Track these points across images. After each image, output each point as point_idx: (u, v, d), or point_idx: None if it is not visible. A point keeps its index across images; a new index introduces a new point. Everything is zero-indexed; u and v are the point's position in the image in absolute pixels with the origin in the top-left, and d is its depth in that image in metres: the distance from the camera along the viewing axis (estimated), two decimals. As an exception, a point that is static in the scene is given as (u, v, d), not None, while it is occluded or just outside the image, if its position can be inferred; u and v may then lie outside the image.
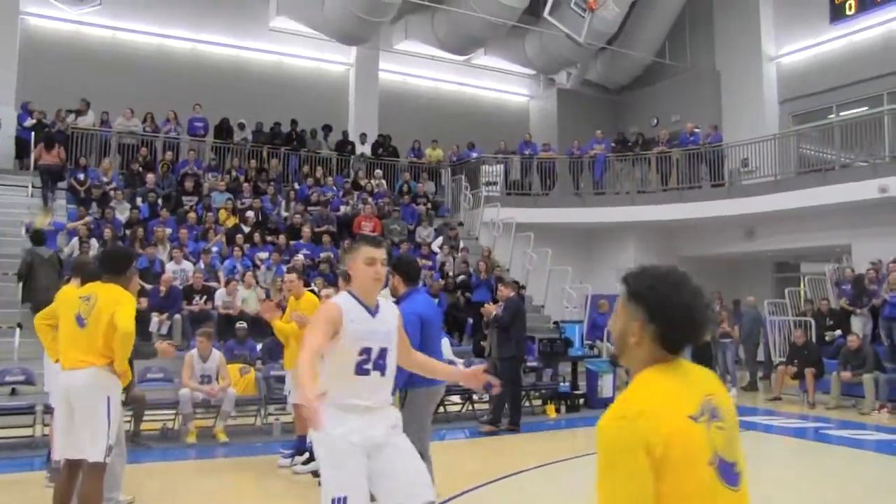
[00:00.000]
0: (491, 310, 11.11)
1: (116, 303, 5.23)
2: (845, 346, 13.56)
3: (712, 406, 2.06)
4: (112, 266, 5.56)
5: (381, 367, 3.79)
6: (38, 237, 12.79)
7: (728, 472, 2.00)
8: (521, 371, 11.60)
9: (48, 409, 7.93)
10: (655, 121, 23.26)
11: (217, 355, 10.16)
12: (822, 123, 19.55)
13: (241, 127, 19.37)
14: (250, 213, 16.34)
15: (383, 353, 3.80)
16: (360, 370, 3.71)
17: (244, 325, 11.91)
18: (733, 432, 2.08)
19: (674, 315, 2.09)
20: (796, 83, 21.13)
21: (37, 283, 12.20)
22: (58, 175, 16.03)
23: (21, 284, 12.46)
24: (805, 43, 20.96)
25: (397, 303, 6.04)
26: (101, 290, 5.37)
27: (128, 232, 14.57)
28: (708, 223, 19.13)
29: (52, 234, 13.85)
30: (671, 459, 1.89)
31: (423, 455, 5.66)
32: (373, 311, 3.84)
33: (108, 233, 13.90)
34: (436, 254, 17.42)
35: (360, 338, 3.71)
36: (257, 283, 14.09)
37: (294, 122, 20.07)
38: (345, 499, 3.59)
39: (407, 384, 5.63)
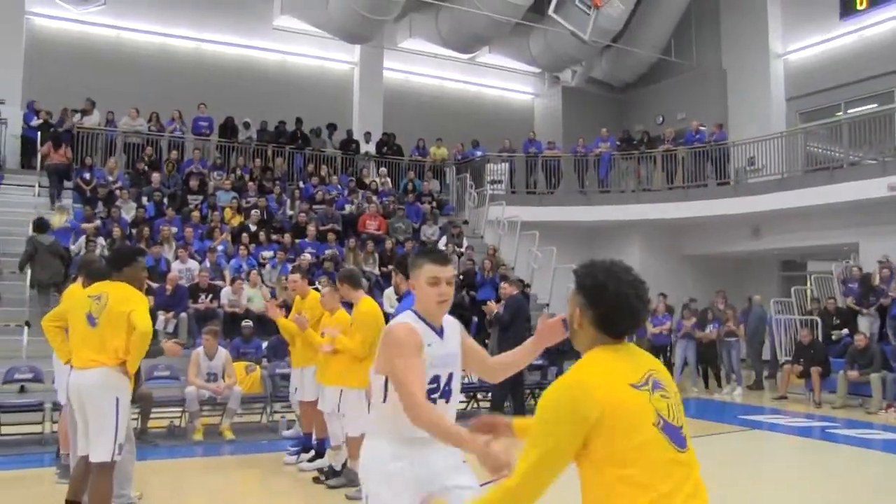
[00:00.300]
0: (493, 308, 11.07)
1: (128, 301, 5.23)
2: (852, 345, 13.52)
3: (655, 379, 2.36)
4: (114, 263, 5.59)
5: (447, 393, 3.39)
6: (40, 225, 12.89)
7: (675, 435, 2.30)
8: (522, 370, 11.42)
9: (56, 407, 7.96)
10: (661, 119, 23.20)
11: (223, 353, 10.19)
12: (831, 121, 19.39)
13: (246, 126, 19.36)
14: (255, 212, 16.33)
15: (451, 378, 3.40)
16: (428, 399, 3.21)
17: (250, 323, 11.93)
18: (677, 401, 2.40)
19: (608, 303, 2.39)
20: (804, 80, 21.01)
21: (38, 271, 12.50)
22: (65, 174, 16.08)
23: (27, 273, 12.67)
24: (813, 39, 20.81)
25: (399, 300, 6.03)
26: (111, 288, 5.37)
27: (134, 231, 14.58)
28: (714, 222, 19.09)
29: (66, 232, 13.90)
30: (608, 422, 2.22)
31: None
32: (440, 331, 3.41)
33: (116, 231, 13.94)
34: (441, 253, 17.39)
35: (433, 364, 3.29)
36: (263, 281, 14.09)
37: (299, 121, 20.05)
38: None
39: None
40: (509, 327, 10.81)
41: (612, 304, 2.39)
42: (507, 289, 11.50)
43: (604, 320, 2.41)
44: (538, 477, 2.31)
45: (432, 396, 3.28)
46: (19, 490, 7.14)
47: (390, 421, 3.25)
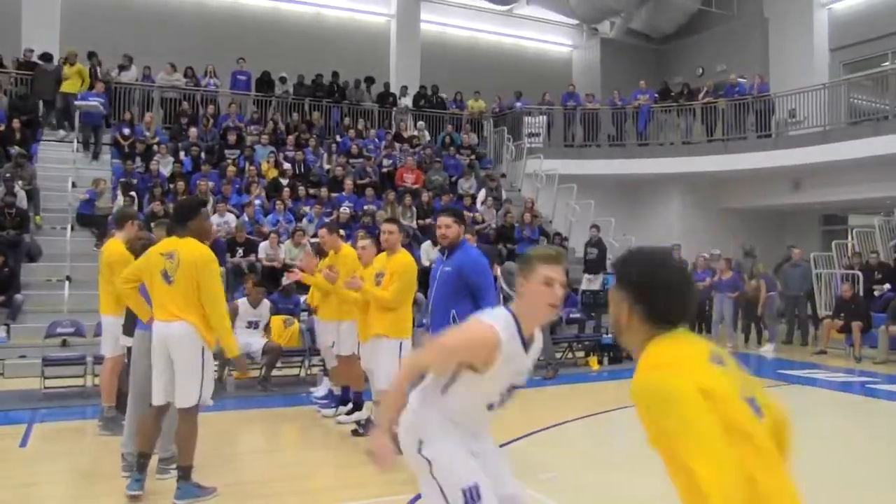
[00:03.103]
0: None
1: None
2: (894, 300, 13.33)
3: (718, 355, 2.18)
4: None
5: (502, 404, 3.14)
6: None
7: (754, 405, 2.11)
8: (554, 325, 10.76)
9: (98, 360, 8.11)
10: (700, 71, 22.84)
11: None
12: (876, 71, 18.94)
13: (283, 81, 19.32)
14: (286, 165, 16.36)
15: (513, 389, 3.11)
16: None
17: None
18: (740, 375, 2.19)
19: (657, 296, 2.18)
20: (849, 30, 20.52)
21: None
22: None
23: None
24: (860, -13, 20.29)
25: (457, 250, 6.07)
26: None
27: (171, 186, 14.66)
28: (754, 175, 18.82)
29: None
30: (714, 397, 1.98)
31: None
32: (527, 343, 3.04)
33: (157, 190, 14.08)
34: (478, 207, 17.34)
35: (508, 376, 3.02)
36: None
37: (335, 75, 19.98)
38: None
39: None
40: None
41: (661, 297, 2.16)
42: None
43: (653, 314, 2.17)
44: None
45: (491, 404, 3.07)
46: (63, 441, 7.31)
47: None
